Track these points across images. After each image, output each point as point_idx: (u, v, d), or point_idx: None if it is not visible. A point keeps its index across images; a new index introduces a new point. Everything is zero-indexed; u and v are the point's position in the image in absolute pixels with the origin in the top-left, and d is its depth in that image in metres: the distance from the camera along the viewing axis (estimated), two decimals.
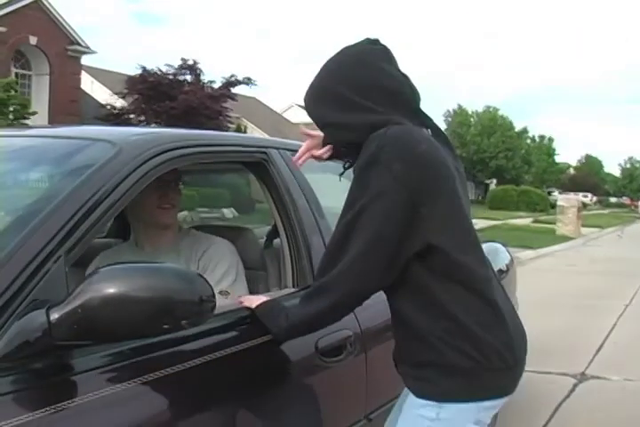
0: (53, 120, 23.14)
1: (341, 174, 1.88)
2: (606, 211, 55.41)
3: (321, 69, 1.74)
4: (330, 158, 2.07)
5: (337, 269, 1.56)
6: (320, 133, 2.05)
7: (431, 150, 1.57)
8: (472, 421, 1.61)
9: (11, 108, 18.40)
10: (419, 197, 1.52)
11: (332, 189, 3.00)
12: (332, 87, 1.68)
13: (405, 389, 1.76)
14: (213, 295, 1.38)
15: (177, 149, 1.85)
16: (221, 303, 2.06)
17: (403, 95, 1.69)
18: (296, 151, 2.40)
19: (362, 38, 1.76)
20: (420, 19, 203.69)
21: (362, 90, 1.65)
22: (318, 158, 2.06)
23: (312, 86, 1.75)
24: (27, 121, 18.66)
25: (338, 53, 1.74)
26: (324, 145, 1.84)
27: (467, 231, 1.65)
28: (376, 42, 1.73)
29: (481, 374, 1.59)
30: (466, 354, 1.57)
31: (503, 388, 1.65)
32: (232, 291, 2.24)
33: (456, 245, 1.59)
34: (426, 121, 1.73)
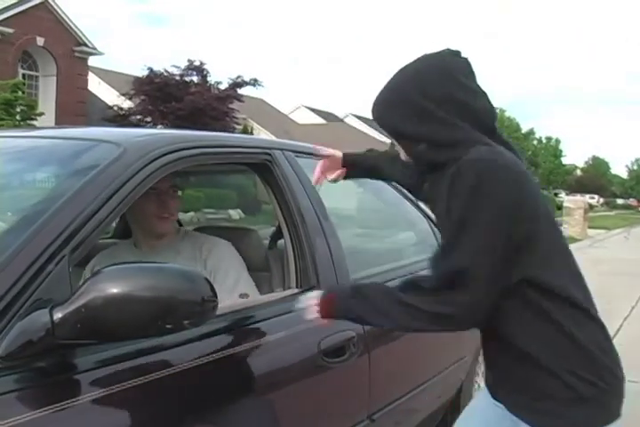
0: (60, 121, 23.20)
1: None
2: (613, 212, 55.29)
3: (398, 78, 1.65)
4: (345, 179, 2.08)
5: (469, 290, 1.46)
6: (335, 153, 2.06)
7: (525, 172, 1.54)
8: None
9: (18, 109, 18.45)
10: (523, 221, 1.48)
11: (335, 190, 3.01)
12: (416, 100, 1.59)
13: (495, 410, 1.69)
14: (215, 295, 1.39)
15: (181, 150, 1.85)
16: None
17: (483, 113, 1.62)
18: (300, 152, 2.43)
19: (443, 48, 1.67)
20: (421, 19, 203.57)
21: (445, 104, 1.57)
22: (333, 181, 2.07)
23: (389, 96, 1.66)
24: (34, 122, 18.71)
25: (418, 62, 1.65)
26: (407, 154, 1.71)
27: (567, 252, 1.62)
28: (458, 54, 1.65)
29: (603, 398, 1.55)
30: (589, 381, 1.52)
31: (620, 406, 1.61)
32: (249, 291, 2.27)
33: (562, 267, 1.57)
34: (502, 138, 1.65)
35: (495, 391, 1.69)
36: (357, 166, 2.06)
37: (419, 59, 1.67)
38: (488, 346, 1.67)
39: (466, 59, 1.65)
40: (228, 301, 2.18)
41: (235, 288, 2.23)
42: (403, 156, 1.72)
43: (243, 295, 2.22)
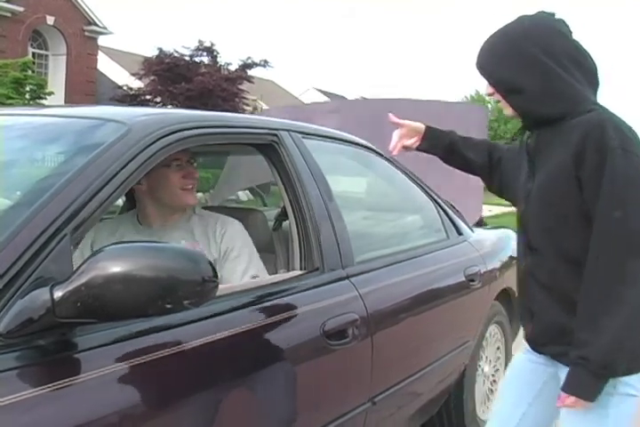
0: (69, 100, 23.18)
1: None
2: None
3: (511, 33, 1.70)
4: (419, 149, 2.06)
5: None
6: (410, 124, 2.03)
7: None
8: None
9: (27, 88, 18.42)
10: None
11: (343, 172, 2.99)
12: (535, 55, 1.64)
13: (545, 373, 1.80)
14: (215, 275, 1.38)
15: (186, 129, 1.84)
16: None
17: (591, 71, 1.69)
18: (307, 134, 2.41)
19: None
20: (425, 12, 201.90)
21: (563, 60, 1.64)
22: (408, 148, 2.05)
23: (503, 51, 1.70)
24: (43, 101, 18.69)
25: (525, 21, 1.70)
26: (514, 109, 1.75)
27: None
28: (554, 15, 1.71)
29: None
30: None
31: None
32: (260, 273, 2.28)
33: None
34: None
35: (539, 342, 1.76)
36: (435, 138, 2.03)
37: (522, 19, 1.72)
38: (540, 296, 1.71)
39: (563, 19, 1.71)
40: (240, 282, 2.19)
41: (247, 270, 2.24)
42: (507, 112, 1.74)
43: (254, 277, 2.23)
